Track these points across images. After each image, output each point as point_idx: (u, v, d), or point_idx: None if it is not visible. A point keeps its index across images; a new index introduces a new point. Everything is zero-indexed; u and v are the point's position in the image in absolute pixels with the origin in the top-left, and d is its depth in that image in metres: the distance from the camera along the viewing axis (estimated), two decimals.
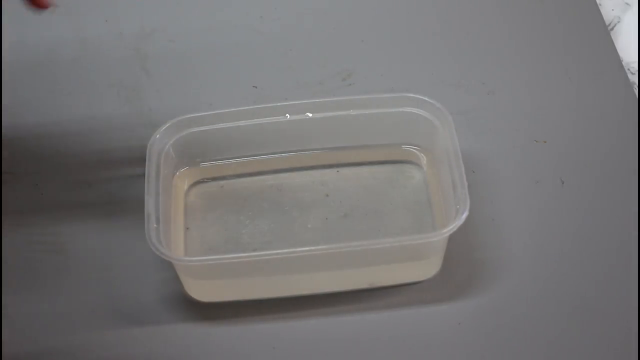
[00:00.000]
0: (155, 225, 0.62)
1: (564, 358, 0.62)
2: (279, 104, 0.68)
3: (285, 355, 0.63)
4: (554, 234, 0.67)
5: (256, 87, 0.76)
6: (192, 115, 0.67)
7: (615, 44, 0.78)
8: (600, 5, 0.81)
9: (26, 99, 0.76)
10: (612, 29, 0.81)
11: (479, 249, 0.67)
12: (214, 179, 0.70)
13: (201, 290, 0.65)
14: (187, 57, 0.79)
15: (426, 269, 0.65)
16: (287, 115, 0.68)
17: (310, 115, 0.68)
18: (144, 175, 0.64)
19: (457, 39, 0.79)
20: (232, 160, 0.70)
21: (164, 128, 0.67)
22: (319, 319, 0.64)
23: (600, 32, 0.79)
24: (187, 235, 0.67)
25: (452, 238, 0.63)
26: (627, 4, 0.83)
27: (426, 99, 0.67)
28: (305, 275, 0.64)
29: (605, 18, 0.80)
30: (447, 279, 0.65)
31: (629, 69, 0.77)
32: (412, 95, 0.67)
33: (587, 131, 0.73)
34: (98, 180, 0.71)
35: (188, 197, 0.69)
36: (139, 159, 0.70)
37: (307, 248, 0.62)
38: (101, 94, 0.76)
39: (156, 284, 0.65)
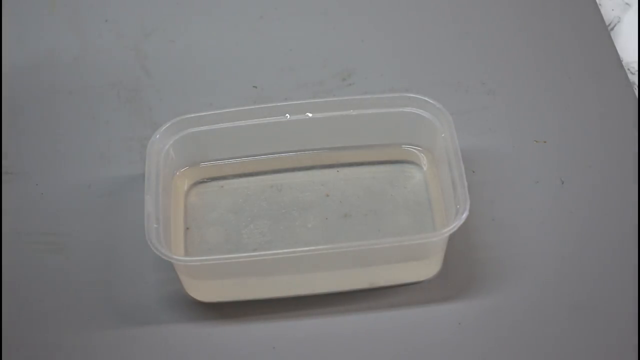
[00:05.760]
0: (155, 225, 0.62)
1: (564, 358, 0.62)
2: (279, 104, 0.68)
3: (285, 355, 0.63)
4: (554, 234, 0.67)
5: (256, 87, 0.76)
6: (192, 115, 0.67)
7: (615, 44, 0.78)
8: (600, 5, 0.81)
9: (26, 99, 0.76)
10: (612, 29, 0.81)
11: (479, 249, 0.67)
12: (214, 179, 0.70)
13: (201, 290, 0.65)
14: (187, 57, 0.79)
15: (426, 269, 0.65)
16: (287, 115, 0.68)
17: (310, 115, 0.68)
18: (144, 175, 0.64)
19: (457, 39, 0.79)
20: (232, 160, 0.70)
21: (164, 128, 0.67)
22: (319, 319, 0.64)
23: (600, 32, 0.79)
24: (187, 235, 0.67)
25: (452, 238, 0.63)
26: (627, 4, 0.83)
27: (426, 99, 0.67)
28: (305, 275, 0.64)
29: (605, 18, 0.80)
30: (447, 279, 0.65)
31: (629, 69, 0.77)
32: (412, 95, 0.68)
33: (587, 131, 0.73)
34: (98, 180, 0.71)
35: (188, 197, 0.69)
36: (139, 159, 0.71)
37: (307, 248, 0.62)
38: (101, 94, 0.76)
39: (156, 284, 0.65)
